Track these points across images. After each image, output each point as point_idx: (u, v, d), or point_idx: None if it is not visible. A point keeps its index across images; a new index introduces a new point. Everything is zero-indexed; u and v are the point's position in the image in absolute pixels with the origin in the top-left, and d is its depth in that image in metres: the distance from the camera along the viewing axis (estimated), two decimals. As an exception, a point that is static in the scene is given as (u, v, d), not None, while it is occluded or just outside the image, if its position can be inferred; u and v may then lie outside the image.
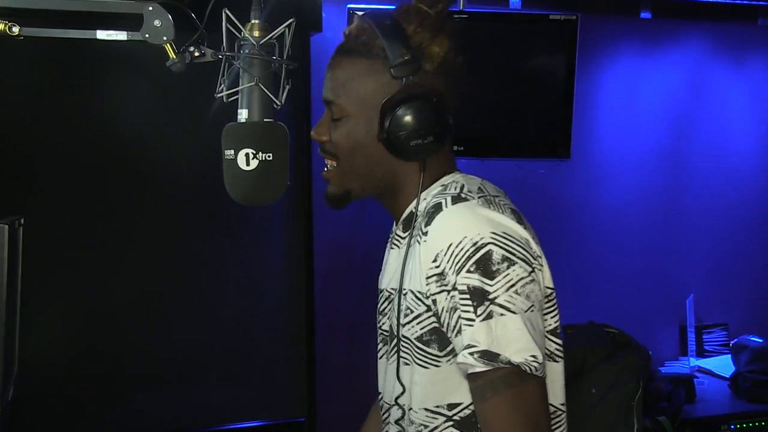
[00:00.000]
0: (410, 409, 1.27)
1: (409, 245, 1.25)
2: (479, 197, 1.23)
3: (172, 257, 2.45)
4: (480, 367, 1.13)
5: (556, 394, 1.28)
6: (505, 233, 1.17)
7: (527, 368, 1.13)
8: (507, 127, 2.74)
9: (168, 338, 2.44)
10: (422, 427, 1.26)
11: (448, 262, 1.16)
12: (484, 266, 1.14)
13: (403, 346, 1.26)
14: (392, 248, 1.35)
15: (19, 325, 1.62)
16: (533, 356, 1.14)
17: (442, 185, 1.29)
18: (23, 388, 1.75)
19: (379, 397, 1.42)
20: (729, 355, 3.07)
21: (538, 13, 2.72)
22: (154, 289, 2.42)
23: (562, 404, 1.29)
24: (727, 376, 2.96)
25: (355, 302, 2.65)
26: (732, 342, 3.11)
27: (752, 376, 2.84)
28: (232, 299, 2.52)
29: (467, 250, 1.15)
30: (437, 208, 1.21)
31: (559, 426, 1.29)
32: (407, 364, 1.26)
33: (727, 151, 3.24)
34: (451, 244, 1.16)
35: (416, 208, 1.27)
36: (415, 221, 1.26)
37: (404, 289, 1.24)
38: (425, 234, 1.20)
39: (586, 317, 2.08)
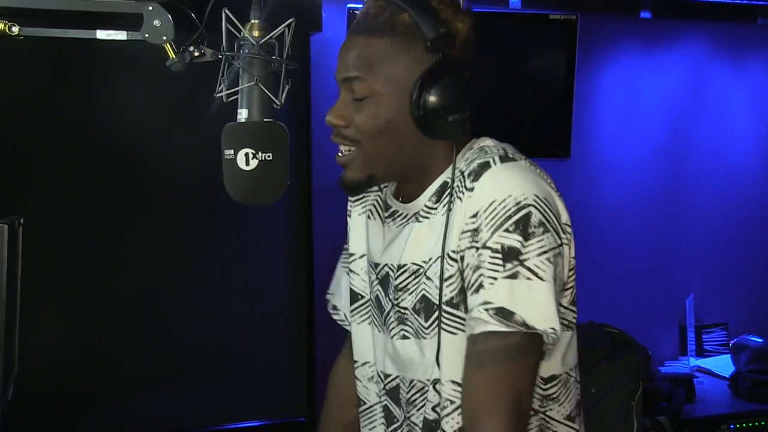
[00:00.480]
0: (438, 382, 1.23)
1: (449, 210, 1.22)
2: (525, 159, 1.24)
3: (172, 257, 2.45)
4: (493, 325, 1.12)
5: (570, 359, 1.27)
6: (546, 199, 1.17)
7: (546, 338, 1.13)
8: (507, 127, 2.74)
9: (168, 338, 2.44)
10: (447, 402, 1.22)
11: (486, 218, 1.15)
12: (523, 227, 1.13)
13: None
14: (419, 221, 1.28)
15: (19, 324, 1.62)
16: (553, 329, 1.13)
17: (470, 149, 1.27)
18: (23, 388, 1.75)
19: (391, 377, 1.34)
20: (729, 355, 3.07)
21: (537, 13, 2.72)
22: (153, 289, 2.42)
23: (572, 369, 1.28)
24: (727, 376, 2.96)
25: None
26: (732, 342, 3.10)
27: (752, 376, 2.84)
28: (232, 299, 2.52)
29: (509, 209, 1.14)
30: (484, 166, 1.19)
31: (570, 390, 1.28)
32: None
33: (727, 151, 3.24)
34: (494, 201, 1.15)
35: (452, 177, 1.24)
36: (451, 189, 1.23)
37: (448, 255, 1.21)
38: (470, 190, 1.18)
39: (586, 317, 2.08)
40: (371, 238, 1.39)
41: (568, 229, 1.22)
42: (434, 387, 1.24)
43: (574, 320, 1.26)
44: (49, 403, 2.29)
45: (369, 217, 1.41)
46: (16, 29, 1.24)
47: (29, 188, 2.29)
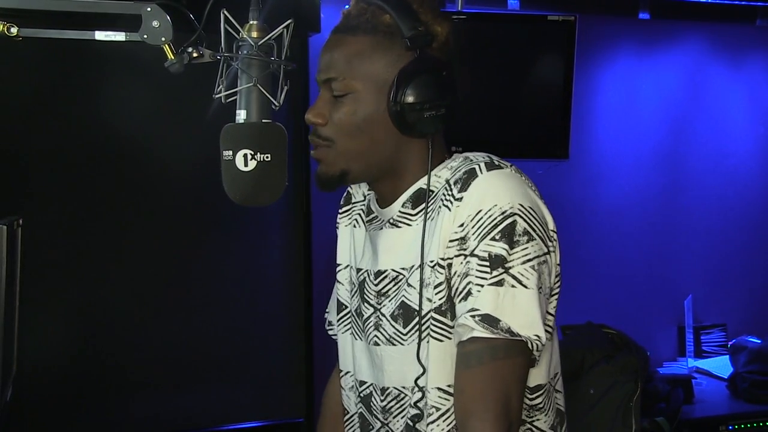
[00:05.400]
0: (422, 388, 1.24)
1: (425, 218, 1.23)
2: (511, 167, 1.24)
3: (171, 258, 2.45)
4: (478, 331, 1.13)
5: (552, 368, 1.27)
6: (531, 208, 1.18)
7: (530, 345, 1.14)
8: (505, 128, 2.74)
9: (167, 339, 2.44)
10: (433, 409, 1.22)
11: (473, 227, 1.16)
12: (509, 235, 1.15)
13: (423, 323, 1.23)
14: (398, 226, 1.29)
15: (18, 325, 1.62)
16: (537, 336, 1.14)
17: (454, 162, 1.26)
18: (22, 389, 1.75)
19: (366, 385, 1.36)
20: (727, 356, 3.07)
21: (536, 14, 2.72)
22: (153, 290, 2.42)
23: (553, 378, 1.28)
24: (725, 377, 2.96)
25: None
26: (730, 343, 3.11)
27: (750, 377, 2.85)
28: (231, 300, 2.52)
29: (495, 218, 1.15)
30: (471, 174, 1.20)
31: (552, 399, 1.28)
32: (427, 342, 1.23)
33: (725, 152, 3.24)
34: (480, 210, 1.16)
35: (428, 184, 1.25)
36: (428, 198, 1.24)
37: (431, 262, 1.22)
38: (458, 200, 1.19)
39: (584, 317, 2.08)
40: (356, 245, 1.40)
41: (555, 236, 1.23)
42: (417, 384, 1.24)
43: (553, 327, 1.26)
44: (48, 404, 2.29)
45: (354, 226, 1.42)
46: (14, 30, 1.24)
47: (28, 188, 2.29)
